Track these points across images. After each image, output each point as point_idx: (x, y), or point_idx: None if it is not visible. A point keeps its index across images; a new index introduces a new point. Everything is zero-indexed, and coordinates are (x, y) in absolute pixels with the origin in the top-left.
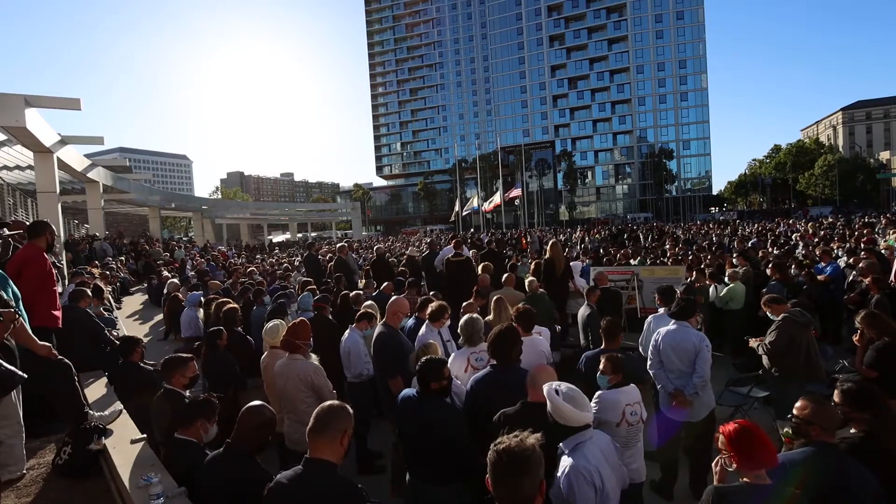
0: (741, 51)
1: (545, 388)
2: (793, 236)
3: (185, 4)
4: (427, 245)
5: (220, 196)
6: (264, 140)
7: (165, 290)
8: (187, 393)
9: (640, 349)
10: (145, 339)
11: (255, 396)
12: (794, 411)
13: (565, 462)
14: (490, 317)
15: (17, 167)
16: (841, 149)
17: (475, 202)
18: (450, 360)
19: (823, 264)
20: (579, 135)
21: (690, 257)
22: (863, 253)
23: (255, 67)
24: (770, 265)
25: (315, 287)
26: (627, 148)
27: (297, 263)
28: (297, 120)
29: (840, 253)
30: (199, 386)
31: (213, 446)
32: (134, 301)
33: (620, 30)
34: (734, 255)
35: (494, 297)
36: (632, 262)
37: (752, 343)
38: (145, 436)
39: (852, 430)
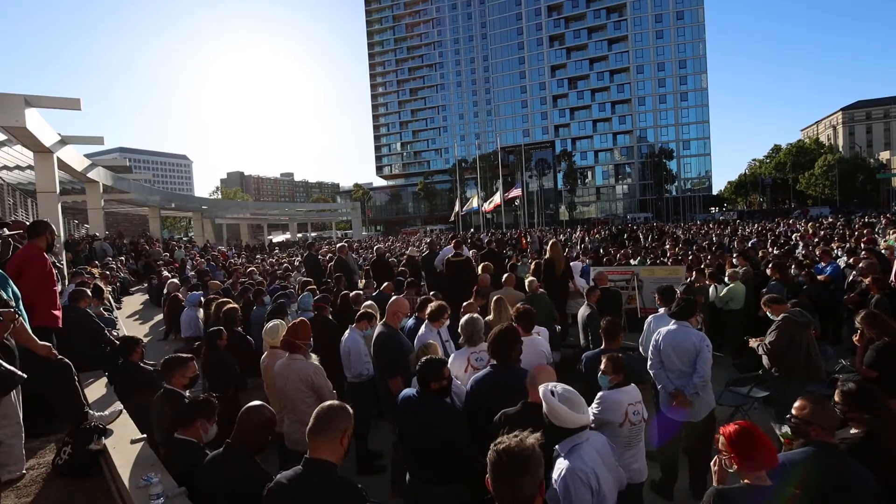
0: (741, 51)
1: (541, 389)
2: (793, 236)
3: (185, 4)
4: (427, 245)
5: (220, 196)
6: (264, 140)
7: (165, 290)
8: (187, 393)
9: (641, 349)
10: (145, 339)
11: (255, 396)
12: (793, 411)
13: (561, 464)
14: (490, 317)
15: (17, 167)
16: (841, 149)
17: (475, 202)
18: (450, 360)
19: (823, 264)
20: (579, 135)
21: (690, 257)
22: (863, 253)
23: (255, 67)
24: (770, 265)
25: (315, 287)
26: (627, 148)
27: (297, 263)
28: (297, 120)
29: (840, 253)
30: (199, 386)
31: (212, 446)
32: (134, 301)
33: (620, 30)
34: (734, 255)
35: (494, 297)
36: (632, 262)
37: (752, 343)
38: (145, 436)
39: (852, 430)
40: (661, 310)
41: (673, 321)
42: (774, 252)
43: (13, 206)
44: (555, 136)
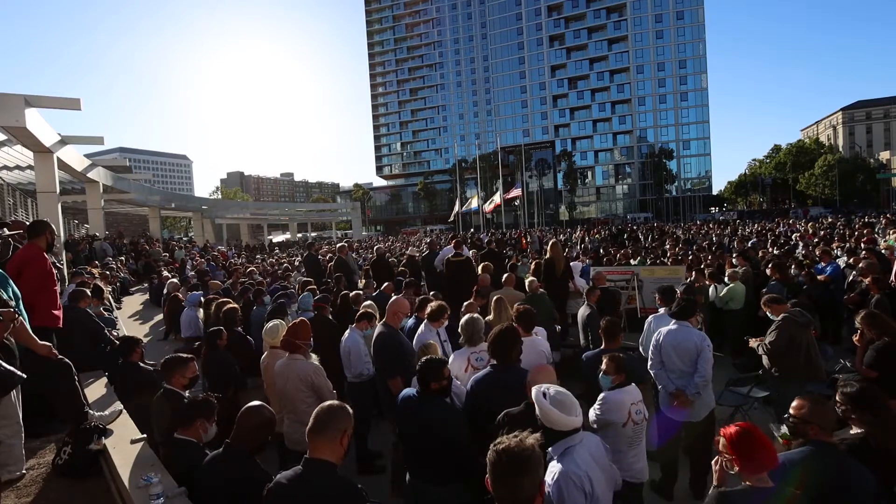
0: (741, 51)
1: (533, 391)
2: (793, 236)
3: (185, 4)
4: (427, 245)
5: (220, 196)
6: (264, 140)
7: (165, 290)
8: (186, 393)
9: (641, 349)
10: (145, 339)
11: (255, 396)
12: (791, 411)
13: (554, 468)
14: (490, 317)
15: (17, 167)
16: (841, 149)
17: (475, 202)
18: (450, 360)
19: (823, 264)
20: (579, 135)
21: (690, 257)
22: (863, 253)
23: (255, 67)
24: (770, 265)
25: (315, 287)
26: (627, 148)
27: (297, 263)
28: (297, 120)
29: (840, 253)
30: (199, 386)
31: (212, 446)
32: (134, 301)
33: (620, 30)
34: (734, 255)
35: (494, 297)
36: (632, 262)
37: (752, 343)
38: (145, 436)
39: (852, 430)
40: (662, 310)
41: (673, 321)
42: (774, 252)
43: (13, 206)
44: (555, 136)
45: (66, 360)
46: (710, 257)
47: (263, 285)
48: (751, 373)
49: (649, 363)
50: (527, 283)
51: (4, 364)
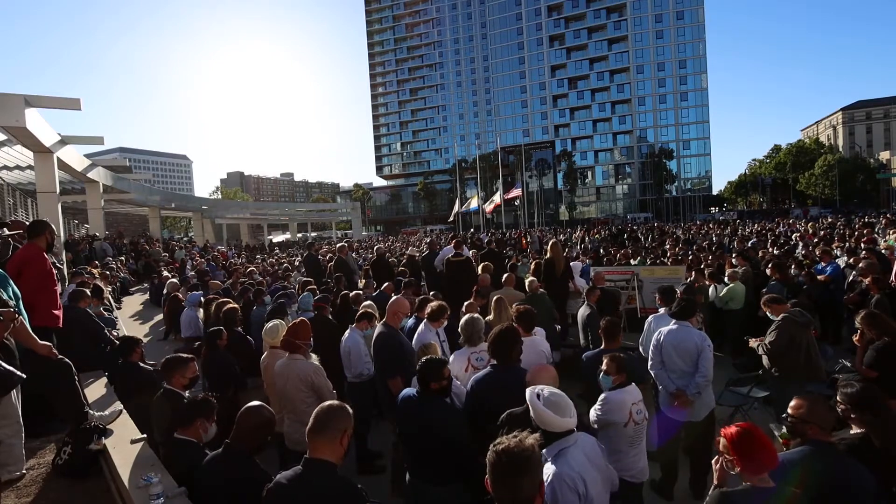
0: (741, 51)
1: (527, 392)
2: (793, 236)
3: (185, 4)
4: (427, 245)
5: (220, 196)
6: (264, 140)
7: (165, 290)
8: (186, 393)
9: (641, 349)
10: (145, 339)
11: (255, 396)
12: (790, 410)
13: (548, 470)
14: (490, 317)
15: (17, 167)
16: (841, 149)
17: (474, 202)
18: (450, 359)
19: (823, 264)
20: (579, 135)
21: (690, 257)
22: (863, 253)
23: (255, 67)
24: (770, 265)
25: (315, 287)
26: (627, 148)
27: (297, 263)
28: (297, 120)
29: (840, 253)
30: (199, 386)
31: (212, 446)
32: (134, 301)
33: (620, 30)
34: (734, 255)
35: (494, 297)
36: (632, 262)
37: (752, 343)
38: (145, 436)
39: (853, 430)
40: (662, 310)
41: (674, 321)
42: (774, 252)
43: (13, 206)
44: (555, 136)
45: (67, 359)
46: (710, 257)
47: (263, 285)
48: (751, 373)
49: (650, 363)
50: (527, 283)
51: (4, 364)
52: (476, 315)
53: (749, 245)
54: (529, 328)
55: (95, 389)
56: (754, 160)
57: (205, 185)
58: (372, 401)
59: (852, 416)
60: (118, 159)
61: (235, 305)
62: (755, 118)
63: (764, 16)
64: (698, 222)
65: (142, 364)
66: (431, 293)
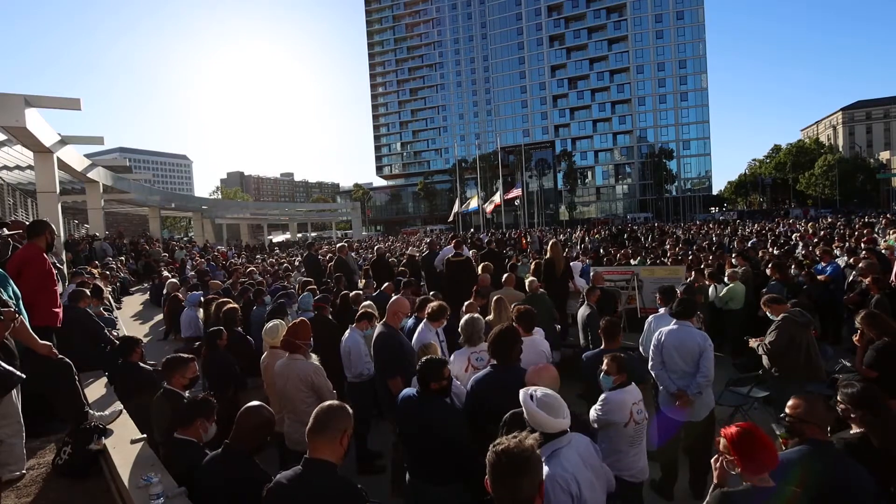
0: (741, 51)
1: (521, 394)
2: (793, 236)
3: (185, 4)
4: (427, 245)
5: (220, 196)
6: (264, 140)
7: (165, 290)
8: (186, 393)
9: (641, 349)
10: (145, 339)
11: (254, 396)
12: (787, 410)
13: None
14: (490, 317)
15: (17, 167)
16: (841, 149)
17: (474, 202)
18: (450, 359)
19: (823, 264)
20: (579, 135)
21: (690, 257)
22: (863, 253)
23: (255, 67)
24: (770, 265)
25: (315, 287)
26: (627, 148)
27: (297, 263)
28: (297, 120)
29: (840, 253)
30: (199, 386)
31: (212, 446)
32: (134, 301)
33: (620, 30)
34: (733, 256)
35: (494, 297)
36: (632, 262)
37: (752, 343)
38: (145, 436)
39: (853, 430)
40: (662, 310)
41: (674, 321)
42: (774, 252)
43: (13, 206)
44: (555, 136)
45: (67, 359)
46: (710, 257)
47: (263, 285)
48: (751, 373)
49: (650, 363)
50: (527, 283)
51: (3, 364)
52: (476, 315)
53: (749, 245)
54: (529, 328)
55: (95, 389)
56: (754, 160)
57: (205, 185)
58: (372, 401)
59: (852, 415)
60: (118, 159)
61: (235, 305)
62: (755, 118)
63: (764, 16)
64: (698, 222)
65: (142, 364)
66: (431, 293)
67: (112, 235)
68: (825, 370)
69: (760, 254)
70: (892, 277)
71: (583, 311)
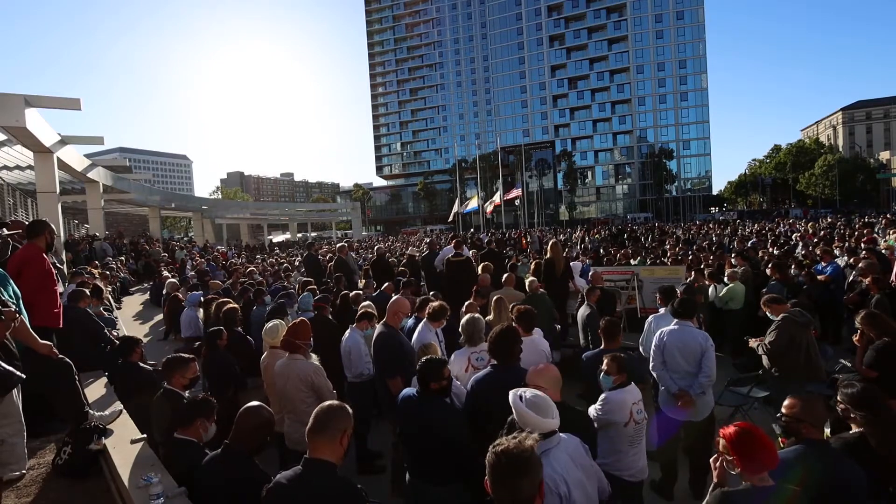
0: (741, 51)
1: (510, 395)
2: (793, 236)
3: (185, 4)
4: (427, 245)
5: (220, 196)
6: (264, 140)
7: (165, 290)
8: (186, 393)
9: (641, 349)
10: (145, 339)
11: (254, 396)
12: (783, 410)
13: None
14: (490, 317)
15: (17, 167)
16: (841, 149)
17: (474, 202)
18: (451, 359)
19: (823, 264)
20: (579, 135)
21: (690, 257)
22: (863, 253)
23: (255, 67)
24: (770, 265)
25: (315, 287)
26: (627, 148)
27: (297, 263)
28: (297, 120)
29: (840, 253)
30: (199, 386)
31: (212, 446)
32: (134, 301)
33: (620, 30)
34: (733, 256)
35: (494, 297)
36: (632, 262)
37: (752, 343)
38: (145, 436)
39: (853, 430)
40: (662, 310)
41: (675, 321)
42: (774, 252)
43: (13, 206)
44: (555, 136)
45: (67, 359)
46: (710, 257)
47: (263, 285)
48: (751, 373)
49: (651, 364)
50: (527, 283)
51: (3, 364)
52: (476, 315)
53: (749, 245)
54: (529, 328)
55: (95, 389)
56: (754, 160)
57: (205, 185)
58: (372, 401)
59: (852, 416)
60: (118, 159)
61: (235, 305)
62: (755, 118)
63: (764, 16)
64: (698, 222)
65: (142, 364)
66: (431, 293)
67: (112, 235)
68: (825, 370)
69: (760, 254)
70: (892, 277)
71: (583, 311)
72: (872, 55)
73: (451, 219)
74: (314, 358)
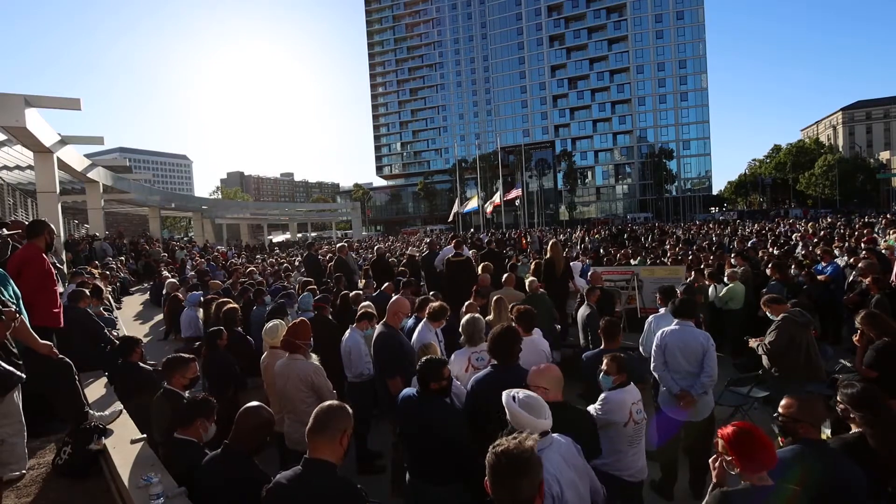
0: (741, 51)
1: (504, 395)
2: (793, 236)
3: (185, 4)
4: (427, 245)
5: (220, 196)
6: (264, 140)
7: (165, 290)
8: (186, 393)
9: (641, 349)
10: (145, 339)
11: (254, 396)
12: (780, 409)
13: None
14: (490, 317)
15: (17, 167)
16: (841, 149)
17: (473, 202)
18: (450, 359)
19: (823, 264)
20: (579, 135)
21: (690, 257)
22: (863, 253)
23: (255, 67)
24: (770, 265)
25: (315, 287)
26: (627, 148)
27: (297, 263)
28: (297, 120)
29: (840, 253)
30: (199, 386)
31: (212, 446)
32: (134, 301)
33: (620, 30)
34: (733, 256)
35: (494, 297)
36: (632, 262)
37: (752, 343)
38: (145, 436)
39: (853, 430)
40: (662, 310)
41: (676, 321)
42: (774, 252)
43: (13, 206)
44: (555, 136)
45: (67, 359)
46: (710, 257)
47: (263, 285)
48: (751, 373)
49: (652, 364)
50: (527, 283)
51: (3, 364)
52: (477, 315)
53: (749, 245)
54: (529, 328)
55: (95, 389)
56: (754, 160)
57: (205, 185)
58: (372, 401)
59: (852, 416)
60: (118, 159)
61: (235, 305)
62: (755, 118)
63: (764, 16)
64: (698, 222)
65: (142, 364)
66: (431, 293)
67: (112, 235)
68: (825, 370)
69: (760, 254)
70: (892, 277)
71: (583, 311)
72: (872, 55)
73: (451, 219)
74: (314, 358)
